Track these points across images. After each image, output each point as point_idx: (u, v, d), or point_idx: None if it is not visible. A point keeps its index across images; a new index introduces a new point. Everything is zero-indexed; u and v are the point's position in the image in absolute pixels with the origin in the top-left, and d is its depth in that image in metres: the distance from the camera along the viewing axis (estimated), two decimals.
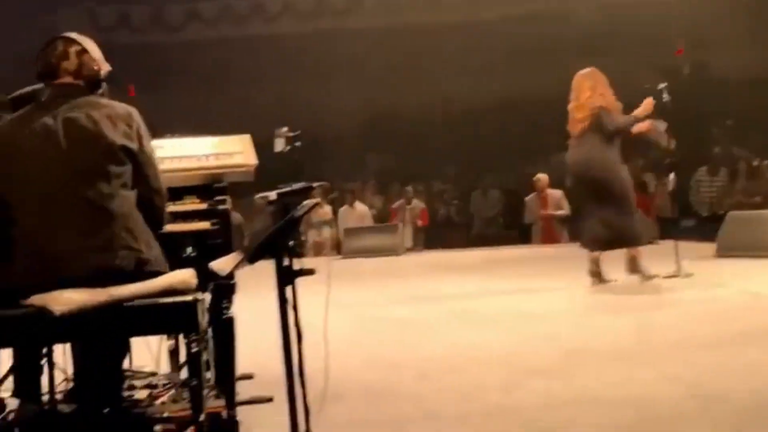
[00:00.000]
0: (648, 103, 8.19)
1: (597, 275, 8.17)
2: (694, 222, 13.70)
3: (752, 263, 9.13)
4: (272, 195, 3.75)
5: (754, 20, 17.93)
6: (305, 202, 3.49)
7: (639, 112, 8.18)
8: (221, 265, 3.39)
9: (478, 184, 17.40)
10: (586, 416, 3.93)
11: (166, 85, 18.88)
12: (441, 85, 21.02)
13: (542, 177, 14.00)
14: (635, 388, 4.37)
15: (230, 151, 4.19)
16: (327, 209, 15.58)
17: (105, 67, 3.58)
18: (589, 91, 8.11)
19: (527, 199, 14.09)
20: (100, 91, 3.55)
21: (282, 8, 22.12)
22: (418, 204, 16.04)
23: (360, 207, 16.24)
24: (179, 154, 4.18)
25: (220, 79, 20.18)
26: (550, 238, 13.70)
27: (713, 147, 16.84)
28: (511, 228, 15.95)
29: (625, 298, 7.57)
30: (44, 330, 3.12)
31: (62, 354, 4.08)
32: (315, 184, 3.76)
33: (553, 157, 18.56)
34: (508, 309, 7.28)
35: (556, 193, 13.82)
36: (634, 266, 8.09)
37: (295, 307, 3.57)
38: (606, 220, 8.00)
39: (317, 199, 3.64)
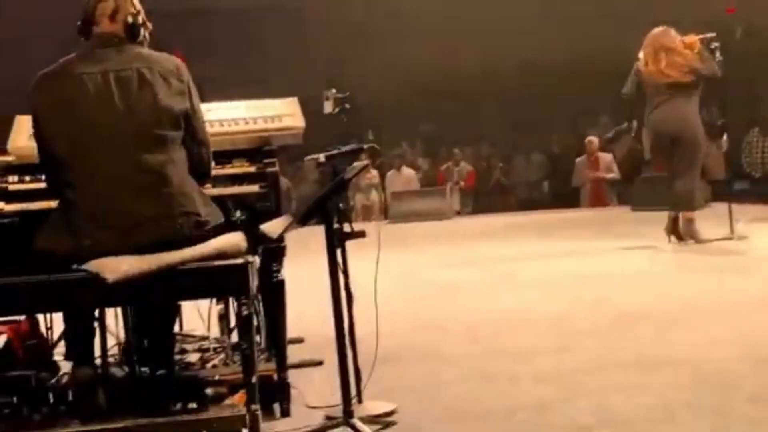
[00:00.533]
0: (692, 38, 8.15)
1: (674, 232, 8.21)
2: (747, 184, 13.49)
3: None
4: (321, 157, 3.73)
5: None
6: (355, 164, 3.46)
7: (698, 49, 8.11)
8: (271, 227, 3.38)
9: (523, 148, 17.30)
10: (638, 378, 3.89)
11: (211, 51, 18.90)
12: (489, 49, 20.83)
13: (594, 139, 13.88)
14: (686, 350, 4.31)
15: (279, 114, 4.16)
16: (374, 173, 15.58)
17: (146, 22, 3.54)
18: (665, 52, 8.11)
19: (578, 161, 13.96)
20: (140, 39, 3.49)
21: None
22: (465, 166, 15.98)
23: (407, 171, 16.20)
24: (228, 117, 4.17)
25: (266, 45, 20.16)
26: (599, 201, 13.57)
27: (765, 108, 16.55)
28: (557, 192, 15.84)
29: (678, 261, 7.49)
30: (96, 294, 3.12)
31: (114, 318, 4.11)
32: (365, 146, 3.74)
33: (601, 120, 18.42)
34: (558, 272, 7.23)
35: (606, 156, 13.70)
36: (690, 229, 8.07)
37: (345, 270, 3.56)
38: (673, 180, 8.13)
39: (367, 161, 3.61)
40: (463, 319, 5.58)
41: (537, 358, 4.39)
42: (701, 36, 8.19)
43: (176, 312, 3.89)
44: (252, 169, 3.99)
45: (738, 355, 4.14)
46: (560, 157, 16.62)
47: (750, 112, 15.08)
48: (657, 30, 8.26)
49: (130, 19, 3.45)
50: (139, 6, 3.52)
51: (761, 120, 14.56)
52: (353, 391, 3.51)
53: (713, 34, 8.24)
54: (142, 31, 3.50)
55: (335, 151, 3.72)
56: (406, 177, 15.96)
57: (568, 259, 8.02)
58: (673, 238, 8.19)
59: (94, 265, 3.08)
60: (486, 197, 16.15)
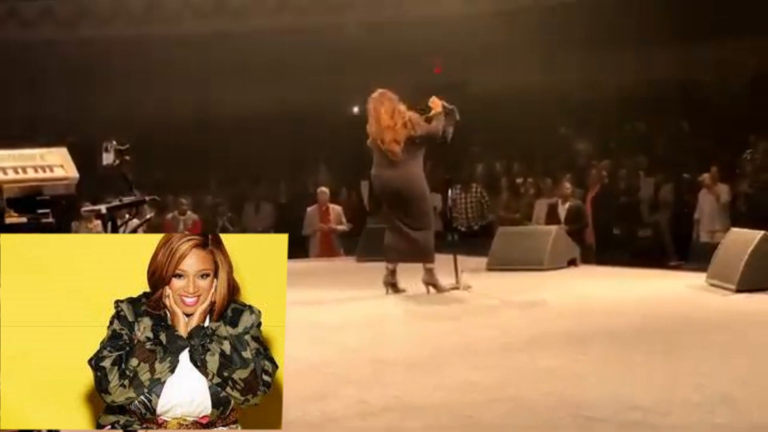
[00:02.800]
0: (435, 101, 8.54)
1: (392, 285, 8.53)
2: (455, 237, 14.23)
3: (522, 275, 9.72)
4: (102, 208, 3.72)
5: (510, 39, 18.98)
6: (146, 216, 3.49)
7: (436, 110, 8.51)
8: None
9: (250, 196, 17.46)
10: (403, 422, 4.10)
11: None
12: (209, 95, 20.99)
13: (325, 190, 14.18)
14: (442, 393, 4.58)
15: (50, 164, 4.08)
16: (96, 222, 15.10)
17: None
18: (388, 115, 8.36)
19: (309, 210, 14.19)
20: None
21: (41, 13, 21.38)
22: (191, 216, 15.84)
23: (135, 222, 15.82)
24: None
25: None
26: (328, 251, 13.87)
27: (473, 164, 17.69)
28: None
29: (415, 308, 7.88)
30: None
31: None
32: (147, 198, 3.76)
33: (322, 170, 18.96)
34: (302, 320, 7.29)
35: (336, 208, 14.04)
36: (432, 278, 8.46)
37: None
38: (408, 233, 8.41)
39: (150, 215, 3.64)
40: None
41: (305, 405, 4.46)
42: (443, 105, 8.56)
43: None
44: (23, 219, 3.90)
45: (487, 397, 4.45)
46: (287, 206, 16.90)
47: (458, 167, 15.97)
48: (376, 93, 8.52)
49: None
50: None
51: (461, 179, 15.29)
52: None
53: (452, 106, 8.65)
54: None
55: (116, 203, 3.72)
56: (130, 226, 15.60)
57: (308, 307, 8.11)
58: (390, 289, 8.52)
59: None
60: None
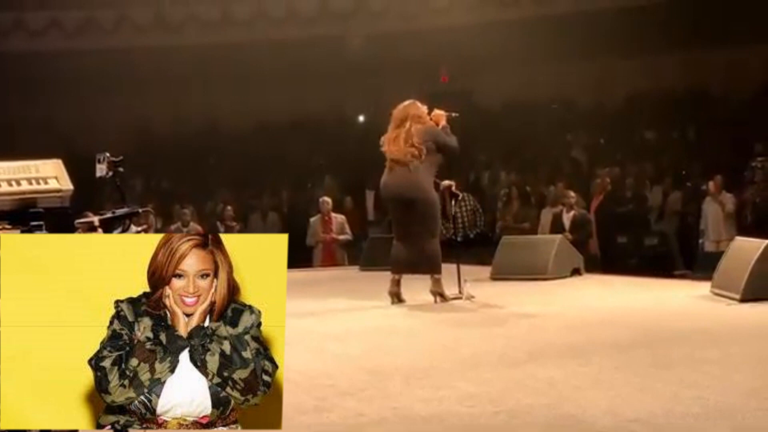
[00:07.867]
0: (439, 114, 8.56)
1: (397, 295, 8.48)
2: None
3: (525, 285, 9.67)
4: (95, 220, 3.69)
5: (516, 48, 18.94)
6: (134, 228, 3.47)
7: (442, 125, 8.53)
8: None
9: (256, 206, 17.44)
10: None
11: None
12: (214, 106, 21.01)
13: (328, 200, 14.14)
14: (441, 405, 4.56)
15: (44, 176, 4.06)
16: (99, 232, 15.08)
17: None
18: (394, 125, 8.41)
19: (312, 220, 14.16)
20: None
21: (47, 24, 21.40)
22: (194, 226, 15.80)
23: (134, 230, 15.79)
24: None
25: None
26: (331, 261, 13.84)
27: (480, 173, 17.66)
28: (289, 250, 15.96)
29: (416, 318, 7.83)
30: None
31: None
32: (141, 209, 3.74)
33: (327, 179, 18.94)
34: (304, 330, 7.26)
35: (339, 217, 14.00)
36: (439, 288, 8.42)
37: None
38: (415, 243, 8.37)
39: (144, 226, 3.62)
40: None
41: (302, 416, 4.45)
42: (447, 113, 8.61)
43: None
44: (16, 232, 3.87)
45: (487, 409, 4.43)
46: (290, 216, 16.86)
47: (465, 176, 15.92)
48: (406, 102, 8.54)
49: None
50: None
51: (477, 185, 15.30)
52: None
53: (457, 114, 8.70)
54: None
55: (109, 215, 3.69)
56: None
57: (309, 317, 8.10)
58: (395, 299, 8.46)
59: None
60: None
